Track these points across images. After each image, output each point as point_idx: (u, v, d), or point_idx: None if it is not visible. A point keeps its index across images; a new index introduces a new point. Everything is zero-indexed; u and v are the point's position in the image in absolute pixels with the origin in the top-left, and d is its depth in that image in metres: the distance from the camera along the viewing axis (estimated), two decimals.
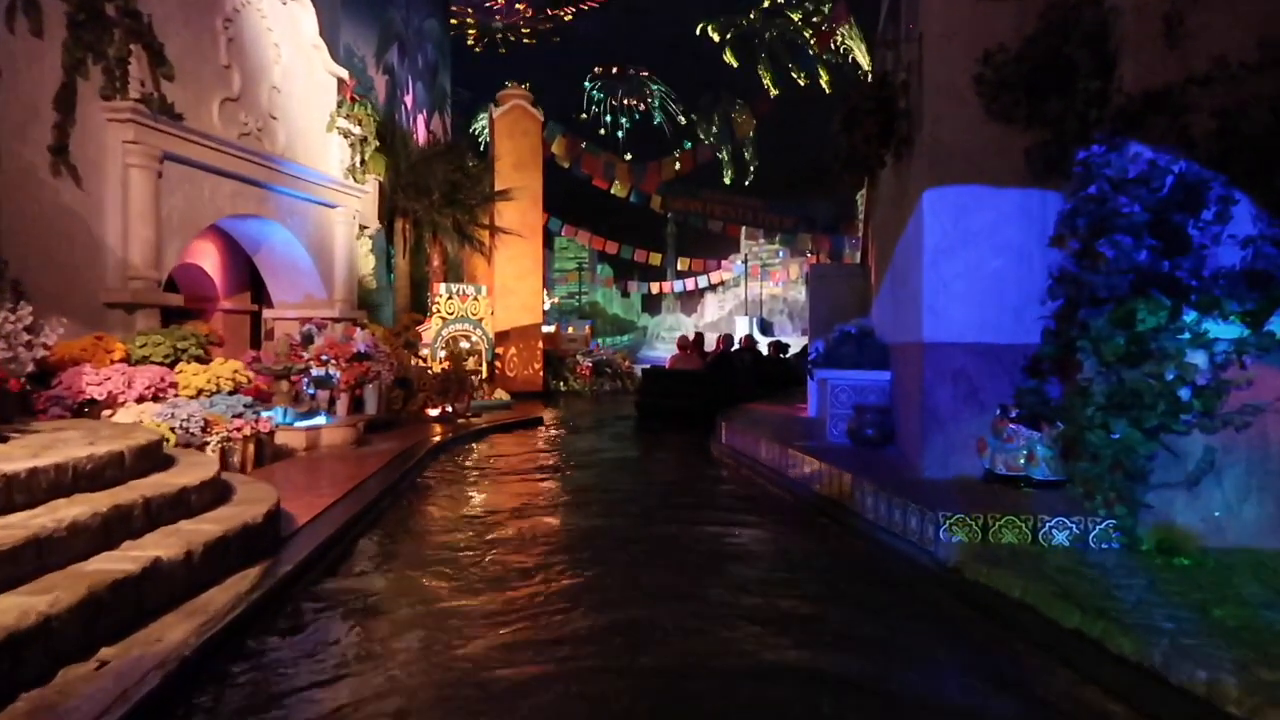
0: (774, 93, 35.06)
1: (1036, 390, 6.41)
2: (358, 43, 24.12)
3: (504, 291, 23.20)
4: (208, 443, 8.15)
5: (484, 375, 19.30)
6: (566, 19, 44.34)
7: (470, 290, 19.41)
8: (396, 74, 26.53)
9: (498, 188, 22.25)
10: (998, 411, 6.48)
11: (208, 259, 12.82)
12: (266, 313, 13.54)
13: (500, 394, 19.36)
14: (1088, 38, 5.78)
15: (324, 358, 12.63)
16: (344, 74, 13.54)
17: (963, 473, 6.71)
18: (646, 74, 52.58)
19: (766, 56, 45.88)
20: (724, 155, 51.57)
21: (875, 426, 8.80)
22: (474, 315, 19.15)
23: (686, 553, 6.17)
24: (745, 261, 46.22)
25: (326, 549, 5.98)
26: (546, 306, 34.03)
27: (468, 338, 19.25)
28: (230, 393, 9.56)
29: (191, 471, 5.70)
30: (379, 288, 23.03)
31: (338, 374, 12.52)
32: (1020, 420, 6.33)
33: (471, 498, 8.39)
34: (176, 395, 8.88)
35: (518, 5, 44.50)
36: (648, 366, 18.64)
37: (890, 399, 9.09)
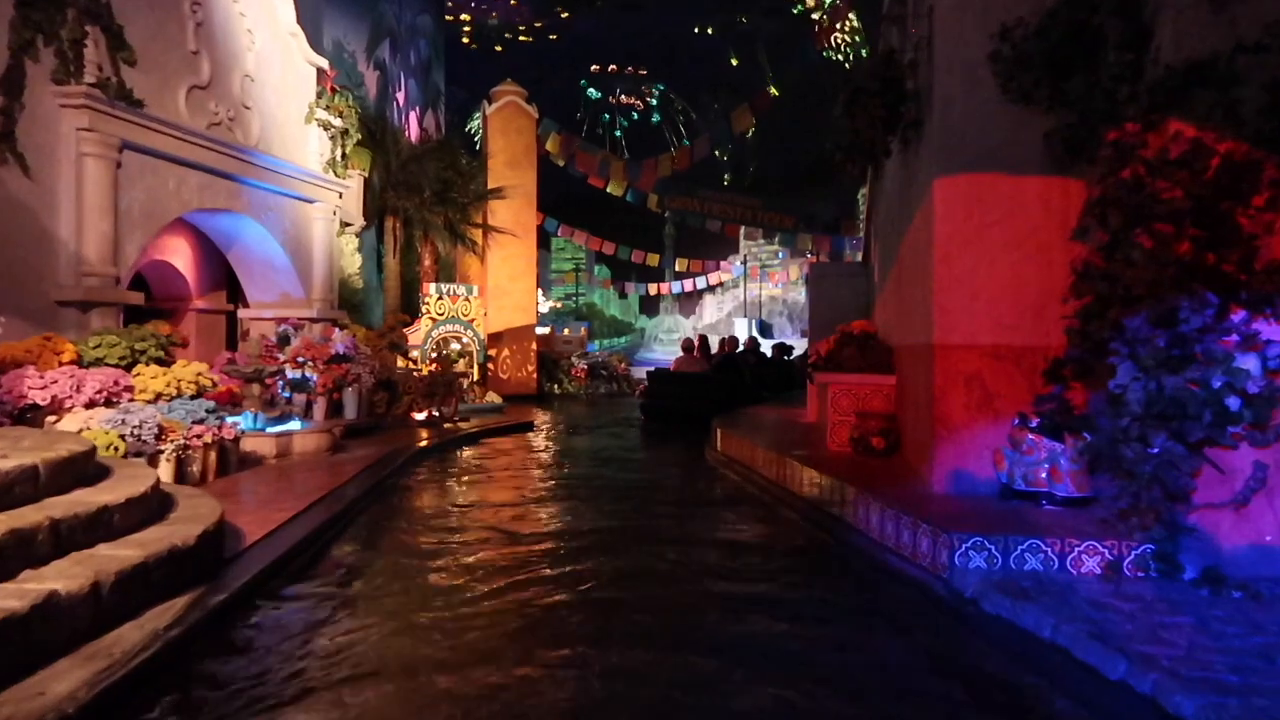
0: (774, 93, 34.33)
1: (1058, 397, 5.84)
2: (348, 37, 23.61)
3: (497, 292, 22.65)
4: (162, 451, 7.58)
5: (475, 378, 18.81)
6: (564, 16, 43.68)
7: (461, 290, 18.86)
8: (388, 70, 26.00)
9: (491, 186, 21.73)
10: (1016, 420, 5.90)
11: (180, 256, 12.25)
12: (241, 312, 12.96)
13: (492, 397, 18.83)
14: (1120, 4, 5.20)
15: (300, 359, 12.09)
16: (324, 63, 12.96)
17: (977, 487, 6.13)
18: (645, 73, 52.01)
19: (766, 55, 45.27)
20: (722, 154, 50.83)
21: (880, 434, 8.22)
22: (465, 316, 18.64)
23: (666, 583, 5.59)
24: (744, 262, 45.61)
25: (276, 572, 5.41)
26: (544, 309, 33.42)
27: (458, 339, 18.74)
28: (193, 397, 8.99)
29: (122, 487, 5.10)
30: (367, 288, 22.45)
31: (314, 376, 11.95)
32: (1041, 430, 5.76)
33: (448, 510, 7.80)
34: (132, 400, 8.32)
35: (512, 2, 43.90)
36: (652, 369, 18.39)
37: (895, 405, 8.51)
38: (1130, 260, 4.67)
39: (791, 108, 39.80)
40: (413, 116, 27.67)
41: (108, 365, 8.48)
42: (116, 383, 8.17)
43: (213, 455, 8.30)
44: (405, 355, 16.60)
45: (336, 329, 12.43)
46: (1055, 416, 5.73)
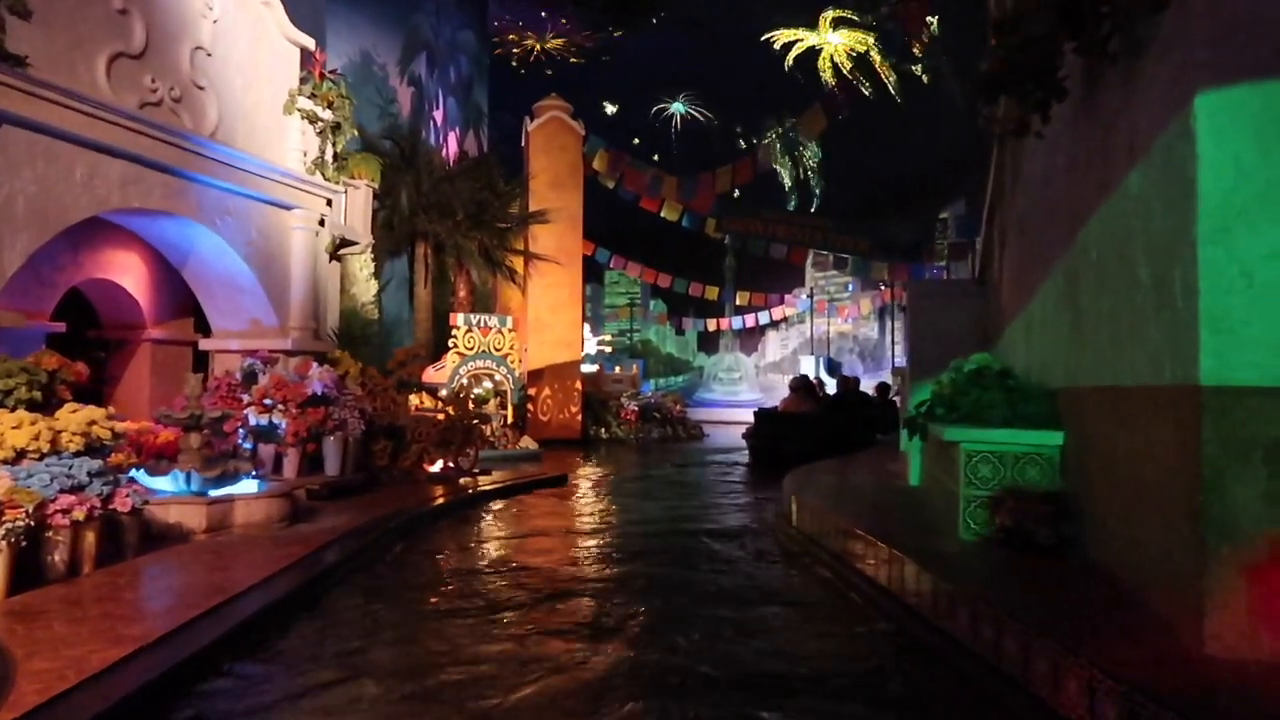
0: (865, 89, 31.06)
1: None
2: (378, 48, 21.68)
3: (538, 325, 20.38)
4: None
5: (510, 420, 16.49)
6: (616, 34, 41.55)
7: (493, 322, 16.58)
8: (424, 86, 24.06)
9: (532, 208, 19.58)
10: None
11: (130, 274, 10.03)
12: (203, 343, 10.66)
13: (527, 443, 16.47)
14: None
15: (268, 402, 9.77)
16: (309, 43, 10.71)
17: None
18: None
19: (834, 72, 42.53)
20: (785, 174, 47.83)
21: (1045, 522, 5.45)
22: (497, 350, 16.38)
23: None
24: (811, 295, 42.58)
25: None
26: (593, 349, 30.83)
27: (490, 376, 16.44)
28: (78, 453, 6.62)
29: None
30: (395, 320, 20.30)
31: (284, 423, 9.61)
32: None
33: (410, 635, 5.19)
34: None
35: (562, 21, 41.98)
36: (758, 409, 17.87)
37: (1064, 477, 5.74)
38: None
39: (862, 126, 36.91)
40: (452, 137, 25.71)
41: None
42: None
43: (90, 536, 5.91)
44: (434, 395, 14.34)
45: (315, 364, 10.06)
46: None
